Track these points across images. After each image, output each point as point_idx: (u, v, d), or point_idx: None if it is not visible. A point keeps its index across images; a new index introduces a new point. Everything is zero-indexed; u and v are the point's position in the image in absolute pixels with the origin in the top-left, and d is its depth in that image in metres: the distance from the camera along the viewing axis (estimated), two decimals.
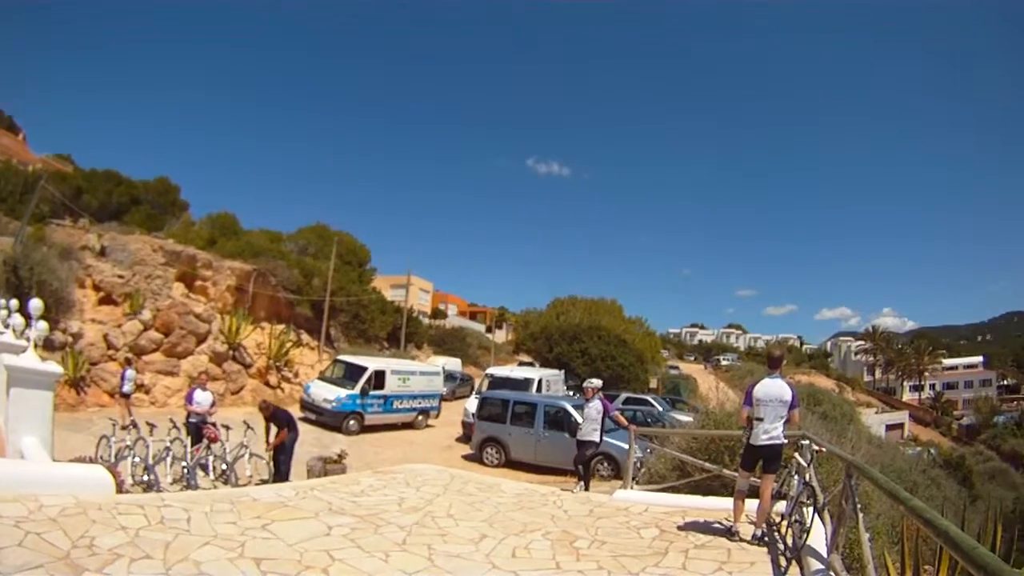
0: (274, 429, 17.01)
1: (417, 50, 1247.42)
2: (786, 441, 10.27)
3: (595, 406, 16.14)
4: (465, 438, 29.27)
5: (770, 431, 10.09)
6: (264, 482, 16.34)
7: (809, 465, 10.27)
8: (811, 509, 9.52)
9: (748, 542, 10.14)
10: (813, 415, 28.78)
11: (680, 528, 10.92)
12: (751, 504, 11.74)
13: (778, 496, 10.74)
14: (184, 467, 15.95)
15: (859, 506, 7.47)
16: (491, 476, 17.49)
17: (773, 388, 10.23)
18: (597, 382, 17.04)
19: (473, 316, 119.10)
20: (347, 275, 54.60)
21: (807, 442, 10.75)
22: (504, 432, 25.19)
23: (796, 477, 10.40)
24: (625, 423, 16.69)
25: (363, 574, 7.58)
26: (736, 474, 11.42)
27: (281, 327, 42.01)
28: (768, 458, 10.28)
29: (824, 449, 10.19)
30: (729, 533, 10.38)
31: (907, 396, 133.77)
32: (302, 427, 27.24)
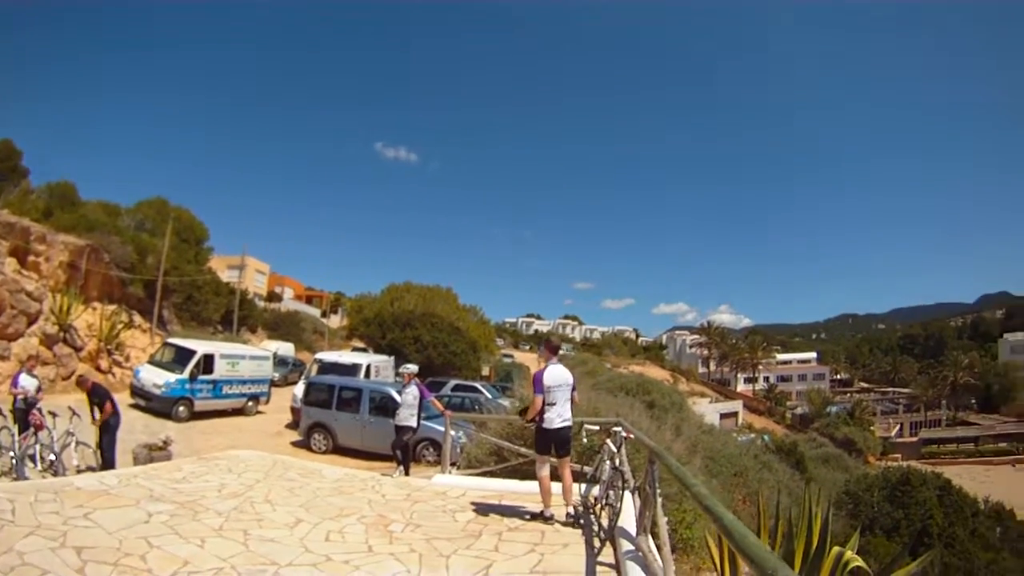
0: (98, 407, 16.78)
1: (264, 29, 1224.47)
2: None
3: (412, 391, 16.21)
4: (294, 424, 28.62)
5: (563, 415, 10.58)
6: (91, 470, 15.95)
7: (619, 450, 10.53)
8: (623, 492, 9.80)
9: (563, 523, 10.51)
10: (640, 404, 29.90)
11: (495, 512, 11.24)
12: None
13: (592, 480, 11.22)
14: (12, 457, 15.53)
15: (659, 490, 7.80)
16: (315, 462, 17.44)
17: (560, 374, 10.68)
18: (413, 367, 17.11)
19: (309, 300, 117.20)
20: (183, 254, 52.99)
21: (619, 428, 11.00)
22: (331, 418, 24.87)
23: (608, 462, 10.56)
24: (442, 408, 16.93)
25: (179, 560, 7.60)
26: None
27: (113, 307, 39.98)
28: (563, 441, 10.72)
29: (632, 435, 10.54)
30: (543, 516, 10.70)
31: (741, 387, 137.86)
32: (133, 414, 26.69)
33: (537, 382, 10.57)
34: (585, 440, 13.17)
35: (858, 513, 30.60)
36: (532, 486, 11.71)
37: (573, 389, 10.85)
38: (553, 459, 10.82)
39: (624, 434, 10.67)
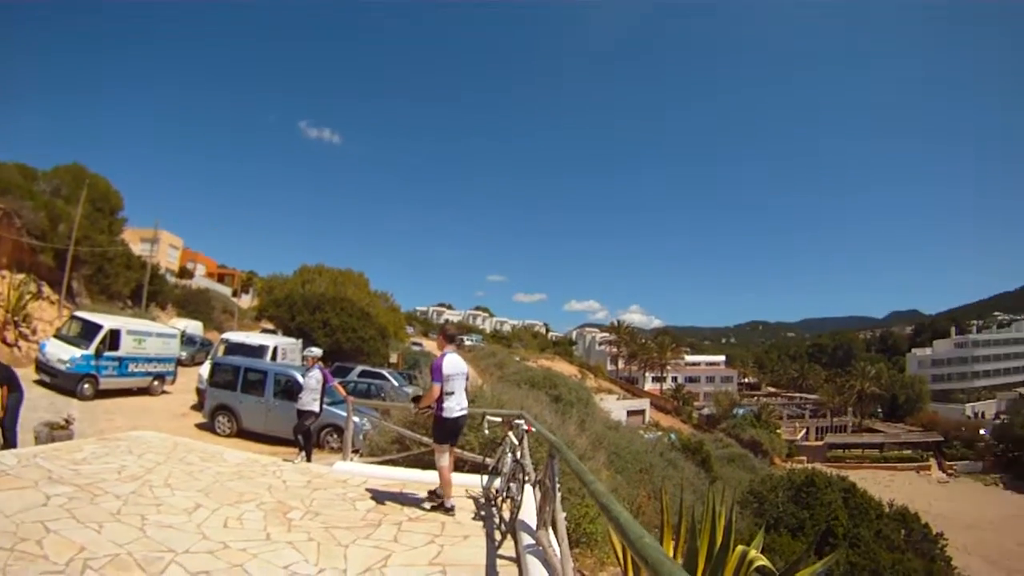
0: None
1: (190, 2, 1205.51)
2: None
3: (315, 375, 16.21)
4: (200, 406, 27.71)
5: (462, 403, 10.69)
6: None
7: (520, 443, 10.78)
8: (523, 485, 9.94)
9: (476, 509, 10.77)
10: (547, 397, 30.14)
11: (396, 501, 11.25)
12: (466, 478, 12.53)
13: (494, 472, 11.29)
14: None
15: (558, 485, 7.91)
16: (218, 445, 17.15)
17: (458, 362, 10.81)
18: (317, 351, 17.09)
19: (221, 278, 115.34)
20: (96, 223, 51.50)
21: (521, 421, 11.17)
22: (235, 400, 24.40)
23: (509, 454, 10.73)
24: (344, 394, 16.96)
25: (76, 546, 7.41)
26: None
27: (21, 276, 38.72)
28: (460, 430, 10.94)
29: (533, 429, 10.75)
30: (445, 507, 10.73)
31: (649, 386, 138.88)
32: (38, 391, 26.06)
33: (436, 370, 10.58)
34: (487, 432, 13.27)
35: (763, 512, 31.17)
36: (434, 476, 11.60)
37: (467, 379, 10.99)
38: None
39: (525, 427, 10.86)
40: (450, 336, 11.36)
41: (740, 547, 7.70)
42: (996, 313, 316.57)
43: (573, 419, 24.17)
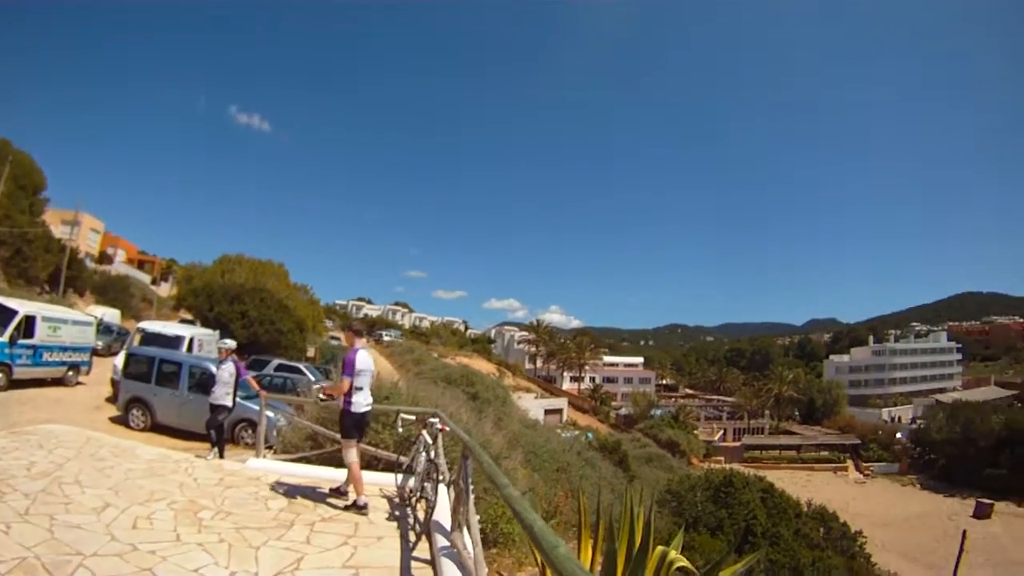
0: None
1: None
2: None
3: (228, 368, 15.98)
4: (115, 398, 26.68)
5: (368, 399, 10.85)
6: None
7: (435, 442, 10.71)
8: (438, 485, 10.04)
9: (390, 509, 10.81)
10: (464, 395, 30.15)
11: (309, 500, 11.22)
12: (380, 477, 12.50)
13: (408, 471, 11.31)
14: None
15: (471, 486, 7.98)
16: (131, 440, 16.75)
17: (368, 360, 10.93)
18: (231, 343, 16.80)
19: (141, 265, 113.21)
20: (18, 203, 50.46)
21: (435, 420, 11.15)
22: (150, 392, 23.49)
23: (423, 454, 10.69)
24: (258, 388, 16.67)
25: None
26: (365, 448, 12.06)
27: None
28: (365, 425, 11.10)
29: (448, 428, 10.71)
30: (357, 505, 10.70)
31: (567, 385, 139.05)
32: None
33: (349, 364, 10.68)
34: (400, 429, 13.20)
35: (682, 512, 31.51)
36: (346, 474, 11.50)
37: (372, 376, 11.12)
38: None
39: (440, 426, 10.84)
40: (358, 331, 11.43)
41: (660, 547, 7.65)
42: (914, 324, 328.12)
43: (489, 417, 24.15)
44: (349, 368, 10.69)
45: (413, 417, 12.83)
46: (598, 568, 7.75)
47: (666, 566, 7.37)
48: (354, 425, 10.86)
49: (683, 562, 7.49)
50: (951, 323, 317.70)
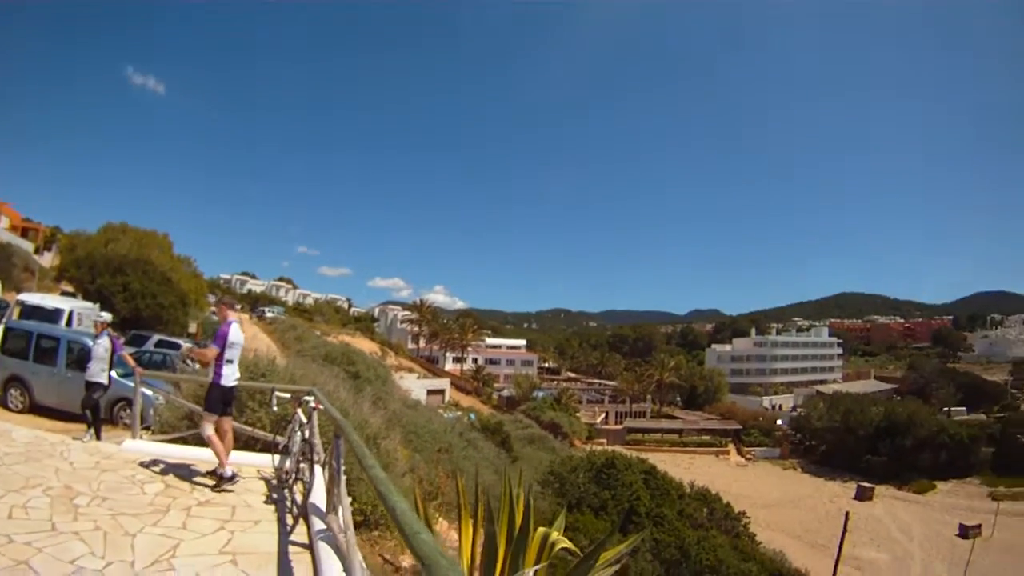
0: None
1: None
2: None
3: (103, 343, 15.61)
4: None
5: (236, 373, 10.95)
6: None
7: (309, 421, 10.73)
8: (315, 466, 10.13)
9: (268, 492, 10.85)
10: (345, 374, 30.06)
11: (186, 482, 11.09)
12: (257, 458, 12.57)
13: (284, 451, 11.25)
14: None
15: (343, 467, 7.99)
16: (7, 423, 15.78)
17: (240, 333, 11.06)
18: (106, 316, 16.65)
19: (25, 233, 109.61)
20: None
21: (310, 398, 11.21)
22: (28, 371, 22.51)
23: (298, 433, 10.77)
24: (133, 364, 15.94)
25: None
26: (243, 428, 12.37)
27: None
28: (231, 400, 11.11)
29: (322, 407, 10.60)
30: (226, 477, 10.77)
31: (449, 366, 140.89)
32: None
33: (222, 336, 10.77)
34: (276, 408, 13.14)
35: (565, 493, 31.84)
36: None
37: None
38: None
39: (314, 404, 10.83)
40: (230, 304, 11.58)
41: (542, 529, 7.80)
42: (796, 319, 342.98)
43: (368, 397, 24.08)
44: (220, 339, 10.76)
45: (288, 395, 12.78)
46: (479, 550, 7.92)
47: (548, 547, 7.50)
48: (221, 398, 10.87)
49: (565, 543, 7.68)
50: (833, 320, 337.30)
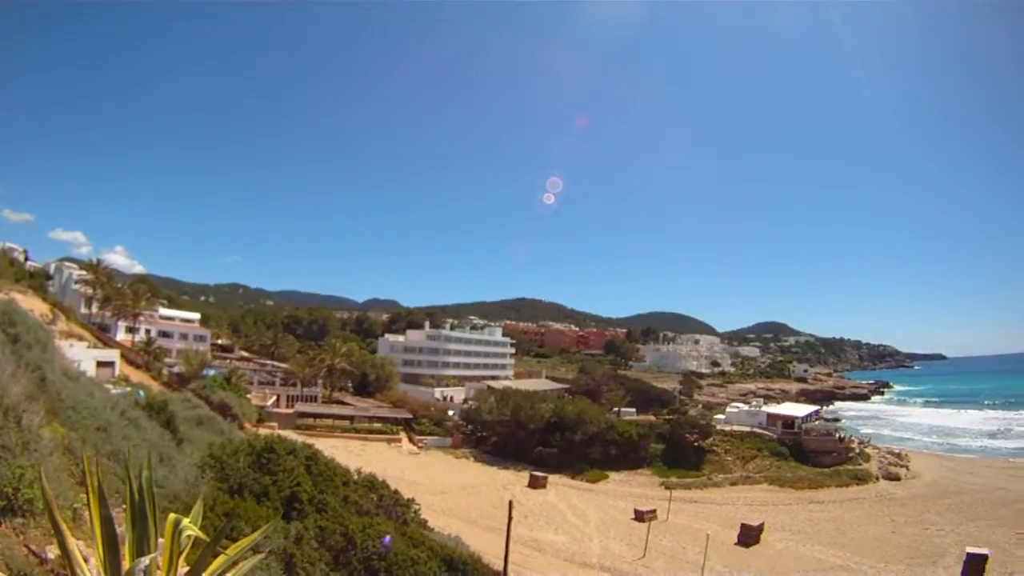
0: None
1: None
2: None
3: None
4: None
5: None
6: None
7: None
8: None
9: None
10: (4, 336, 27.32)
11: None
12: None
13: None
14: None
15: None
16: None
17: None
18: None
19: None
20: None
21: None
22: None
23: None
24: None
25: None
26: None
27: None
28: None
29: None
30: None
31: (121, 336, 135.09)
32: None
33: None
34: None
35: (227, 477, 30.65)
36: None
37: None
38: None
39: None
40: None
41: (173, 516, 7.07)
42: (472, 317, 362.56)
43: (20, 365, 21.80)
44: None
45: None
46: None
47: (177, 534, 7.02)
48: None
49: (193, 530, 7.22)
50: (509, 322, 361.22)
